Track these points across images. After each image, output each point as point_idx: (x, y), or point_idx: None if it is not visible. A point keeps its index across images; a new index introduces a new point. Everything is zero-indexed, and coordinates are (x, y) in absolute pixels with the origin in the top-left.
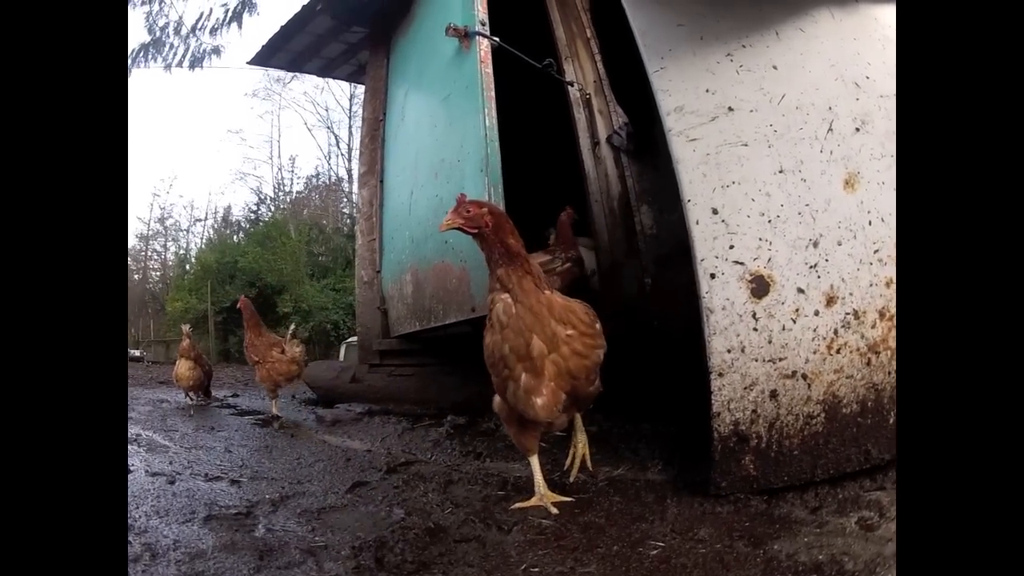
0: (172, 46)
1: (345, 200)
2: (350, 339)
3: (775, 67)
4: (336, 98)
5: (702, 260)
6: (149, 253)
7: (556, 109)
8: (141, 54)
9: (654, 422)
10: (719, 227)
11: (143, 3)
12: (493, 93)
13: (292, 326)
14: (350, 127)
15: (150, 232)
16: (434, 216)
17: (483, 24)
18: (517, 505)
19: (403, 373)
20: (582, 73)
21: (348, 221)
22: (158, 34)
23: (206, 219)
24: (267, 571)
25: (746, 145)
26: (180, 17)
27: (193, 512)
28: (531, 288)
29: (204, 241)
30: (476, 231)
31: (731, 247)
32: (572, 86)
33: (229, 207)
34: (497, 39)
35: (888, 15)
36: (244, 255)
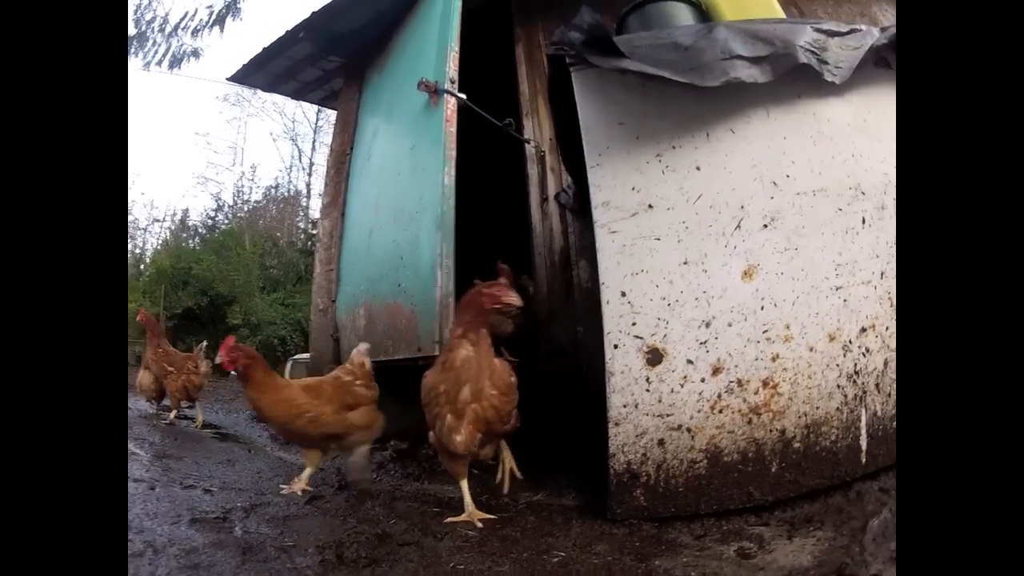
0: (155, 43)
1: (301, 214)
2: (297, 356)
3: (698, 168)
4: (304, 111)
5: (608, 332)
6: None
7: (513, 161)
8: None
9: (575, 456)
10: (625, 307)
11: None
12: (455, 152)
13: (203, 343)
14: (314, 141)
15: None
16: (390, 259)
17: (452, 82)
18: (449, 519)
19: None
20: (540, 130)
21: (302, 236)
22: (143, 28)
23: (163, 220)
24: (250, 564)
25: (658, 239)
26: (166, 14)
27: (179, 516)
28: (487, 351)
29: (160, 242)
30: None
31: (633, 324)
32: (528, 143)
33: (187, 210)
34: (464, 96)
35: (827, 109)
36: (199, 262)
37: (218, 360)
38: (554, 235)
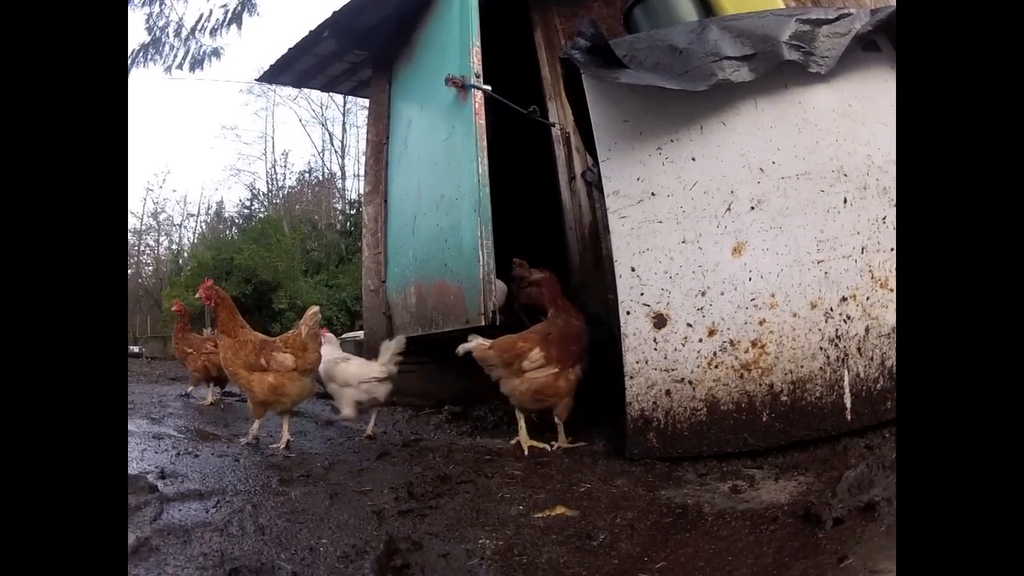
0: (172, 47)
1: (337, 195)
2: (345, 335)
3: (693, 159)
4: (331, 96)
5: (622, 302)
6: (142, 248)
7: (540, 142)
8: (141, 54)
9: (609, 411)
10: (635, 280)
11: (143, 4)
12: (485, 143)
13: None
14: (344, 124)
15: (143, 227)
16: (435, 242)
17: (478, 76)
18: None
19: (406, 370)
20: (563, 112)
21: (340, 217)
22: (158, 34)
23: (199, 214)
24: (337, 505)
25: (660, 222)
26: (180, 18)
27: (268, 478)
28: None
29: (196, 236)
30: None
31: (642, 294)
32: (554, 126)
33: (222, 202)
34: (489, 88)
35: (812, 97)
36: (240, 252)
37: (196, 296)
38: (583, 211)
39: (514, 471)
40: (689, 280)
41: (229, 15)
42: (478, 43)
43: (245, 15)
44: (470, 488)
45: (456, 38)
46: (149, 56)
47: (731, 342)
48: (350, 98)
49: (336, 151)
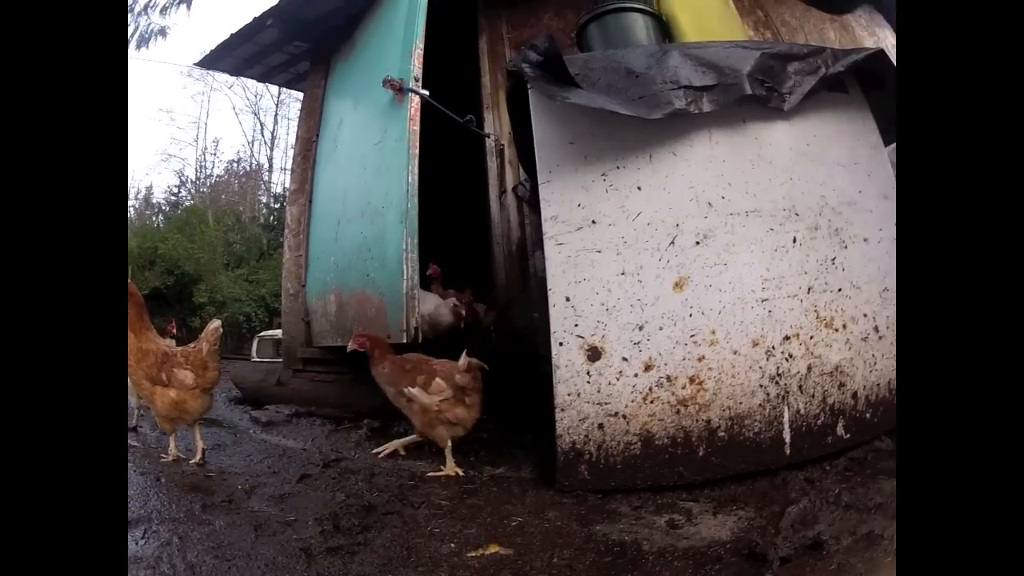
0: None
1: (263, 188)
2: (263, 333)
3: (639, 188)
4: (267, 86)
5: (554, 332)
6: None
7: (473, 153)
8: None
9: (534, 433)
10: (569, 311)
11: None
12: (418, 151)
13: None
14: (276, 115)
15: None
16: (358, 251)
17: (417, 80)
18: (431, 474)
19: (325, 380)
20: (500, 124)
21: (264, 211)
22: None
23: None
24: (263, 537)
25: (599, 252)
26: None
27: (192, 503)
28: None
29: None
30: None
31: (576, 325)
32: (488, 138)
33: (151, 187)
34: (427, 93)
35: (770, 133)
36: (164, 241)
37: None
38: (511, 226)
39: (440, 500)
40: (627, 313)
41: None
42: (422, 46)
43: None
44: (397, 520)
45: (399, 38)
46: None
47: (668, 378)
48: (284, 90)
49: (266, 142)
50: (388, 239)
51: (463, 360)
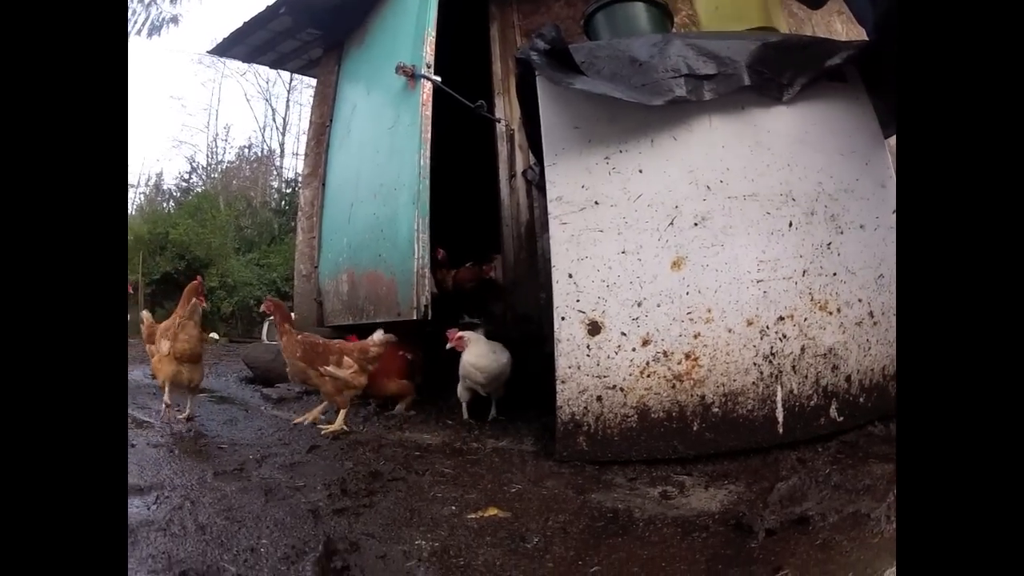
0: (133, 11)
1: (275, 173)
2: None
3: (641, 171)
4: (279, 72)
5: (557, 307)
6: None
7: (485, 136)
8: None
9: (538, 410)
10: (571, 287)
11: None
12: (429, 135)
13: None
14: (287, 101)
15: None
16: (370, 231)
17: (429, 66)
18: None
19: None
20: (510, 109)
21: (275, 196)
22: None
23: (139, 185)
24: (273, 501)
25: (601, 231)
26: None
27: (203, 471)
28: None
29: (135, 208)
30: None
31: (578, 300)
32: (499, 122)
33: (161, 174)
34: (439, 79)
35: (769, 120)
36: (175, 227)
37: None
38: (520, 209)
39: (444, 469)
40: (626, 290)
41: None
42: (434, 33)
43: None
44: (402, 486)
45: (412, 25)
46: None
47: (664, 353)
48: (296, 76)
49: (278, 128)
50: (400, 220)
51: (380, 336)
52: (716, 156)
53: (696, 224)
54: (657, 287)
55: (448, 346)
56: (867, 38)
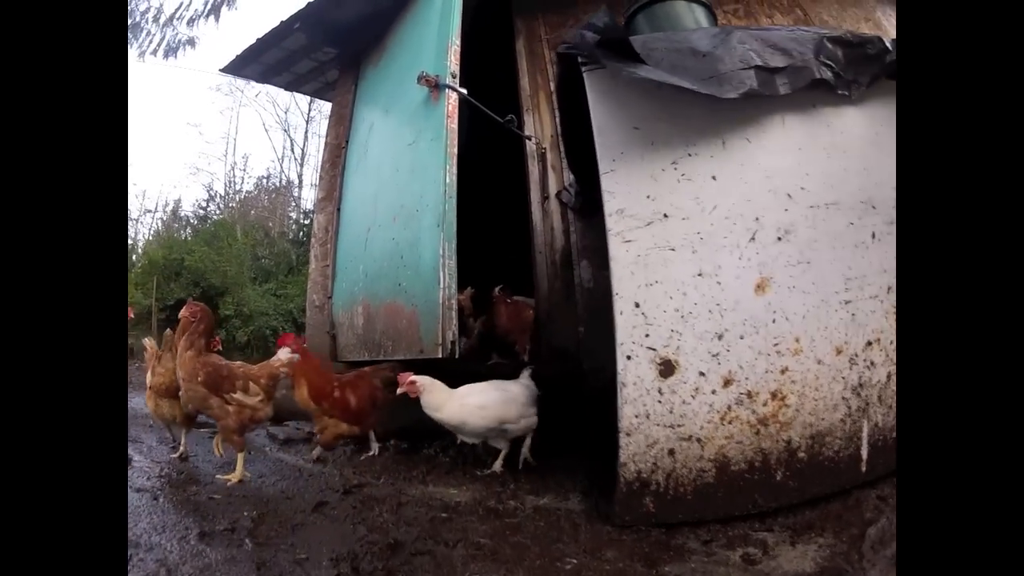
0: (149, 33)
1: (293, 204)
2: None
3: (714, 177)
4: (296, 102)
5: (621, 344)
6: None
7: (513, 157)
8: None
9: (578, 457)
10: (639, 318)
11: None
12: (456, 149)
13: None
14: (306, 131)
15: None
16: (389, 258)
17: (454, 76)
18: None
19: None
20: (541, 127)
21: (294, 226)
22: (137, 19)
23: (155, 211)
24: None
25: (673, 250)
26: (161, 4)
27: (187, 528)
28: None
29: (152, 233)
30: None
31: (647, 335)
32: (529, 140)
33: (179, 200)
34: (464, 91)
35: (842, 120)
36: (191, 253)
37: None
38: (555, 234)
39: (479, 537)
40: (704, 320)
41: (209, 5)
42: (458, 42)
43: (224, 8)
44: (428, 563)
45: (434, 35)
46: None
47: (749, 393)
48: (315, 107)
49: (296, 159)
50: (423, 244)
51: (286, 355)
52: (793, 160)
53: (779, 238)
54: (740, 315)
55: (399, 391)
56: None
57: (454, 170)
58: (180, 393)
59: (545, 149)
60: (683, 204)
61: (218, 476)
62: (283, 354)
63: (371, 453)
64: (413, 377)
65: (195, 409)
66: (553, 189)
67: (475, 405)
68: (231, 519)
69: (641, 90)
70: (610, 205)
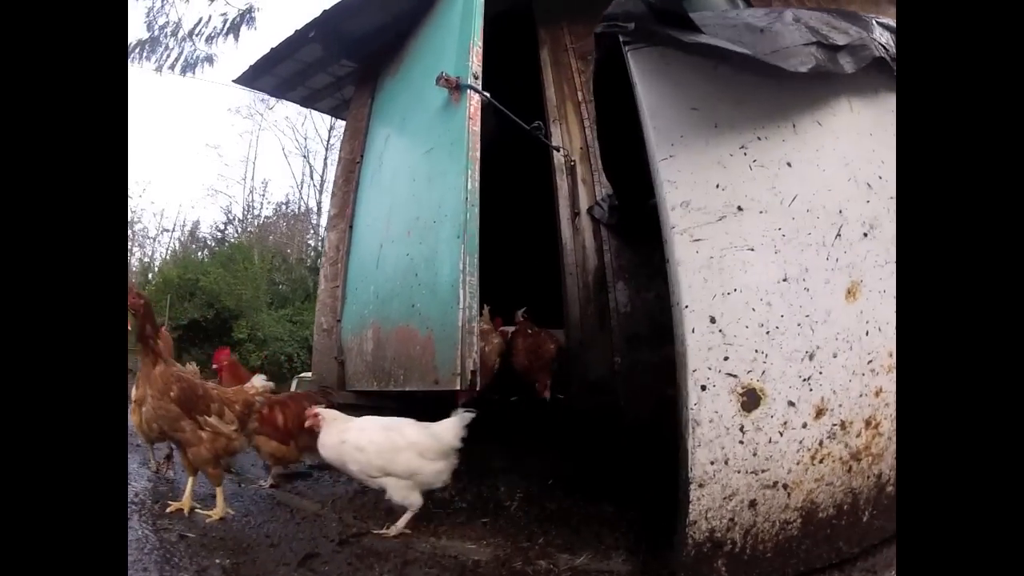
0: (167, 47)
1: (312, 231)
2: (303, 374)
3: (789, 164)
4: (316, 127)
5: (694, 371)
6: None
7: (538, 171)
8: (136, 50)
9: (617, 503)
10: (715, 337)
11: None
12: (478, 153)
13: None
14: (326, 159)
15: None
16: (402, 276)
17: (476, 77)
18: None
19: None
20: (569, 138)
21: (312, 253)
22: (156, 32)
23: (173, 230)
24: None
25: (752, 250)
26: (180, 19)
27: (146, 568)
28: None
29: (169, 253)
30: None
31: (726, 359)
32: (558, 151)
33: (198, 222)
34: (488, 95)
35: None
36: (206, 274)
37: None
38: (587, 253)
39: None
40: (793, 337)
41: (227, 24)
42: (480, 43)
43: (243, 27)
44: None
45: (455, 38)
46: (145, 53)
47: (842, 424)
48: (335, 135)
49: (315, 186)
50: (441, 259)
51: (261, 381)
52: (867, 146)
53: (865, 235)
54: (832, 328)
55: (307, 424)
56: None
57: (476, 176)
58: (144, 409)
59: (575, 161)
60: (759, 195)
61: (197, 509)
62: (258, 380)
63: (266, 484)
64: (316, 409)
65: (161, 431)
66: (584, 204)
67: (353, 445)
68: (198, 567)
69: (695, 69)
70: (672, 197)
